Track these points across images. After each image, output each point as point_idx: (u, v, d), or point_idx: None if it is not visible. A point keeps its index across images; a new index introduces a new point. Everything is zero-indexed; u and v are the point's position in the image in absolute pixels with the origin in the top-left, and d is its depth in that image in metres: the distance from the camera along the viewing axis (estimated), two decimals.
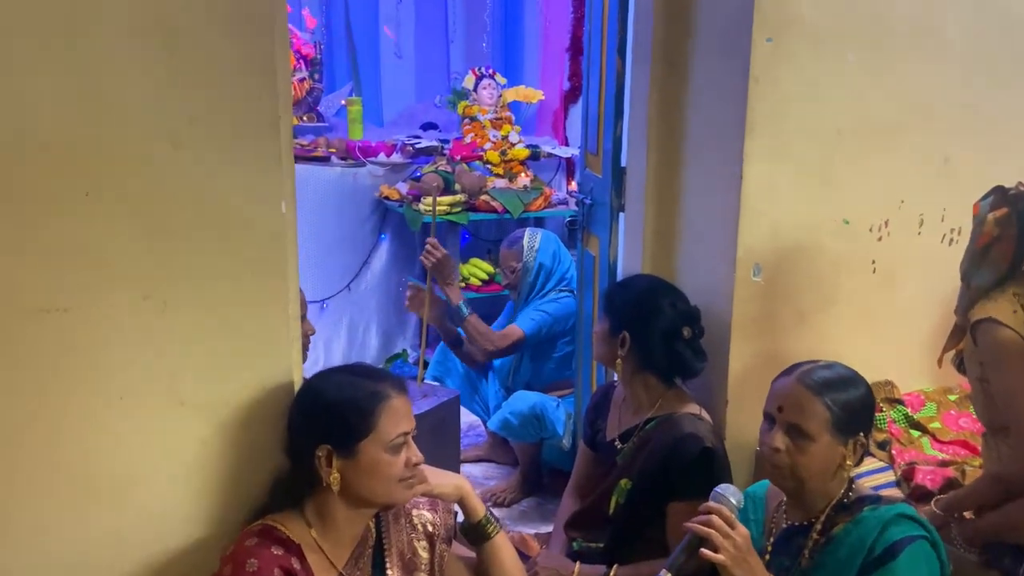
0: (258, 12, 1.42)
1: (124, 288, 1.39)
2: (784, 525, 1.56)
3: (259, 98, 1.45)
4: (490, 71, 4.45)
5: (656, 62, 2.16)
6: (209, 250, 1.45)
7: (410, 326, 4.46)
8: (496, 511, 3.02)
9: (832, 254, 2.08)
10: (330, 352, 4.22)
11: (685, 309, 1.99)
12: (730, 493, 1.42)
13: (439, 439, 2.72)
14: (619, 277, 2.39)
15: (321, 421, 1.43)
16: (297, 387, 1.54)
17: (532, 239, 3.09)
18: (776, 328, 2.06)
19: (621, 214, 2.36)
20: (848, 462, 1.49)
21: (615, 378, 2.15)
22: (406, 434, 1.46)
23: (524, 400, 2.88)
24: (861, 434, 1.50)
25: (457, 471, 2.85)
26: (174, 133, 1.40)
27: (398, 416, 1.45)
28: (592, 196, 2.53)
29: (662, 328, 1.95)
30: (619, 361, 1.97)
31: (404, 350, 4.38)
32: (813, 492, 1.50)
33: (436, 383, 3.17)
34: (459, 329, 3.05)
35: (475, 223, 4.19)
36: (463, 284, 4.06)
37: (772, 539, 1.57)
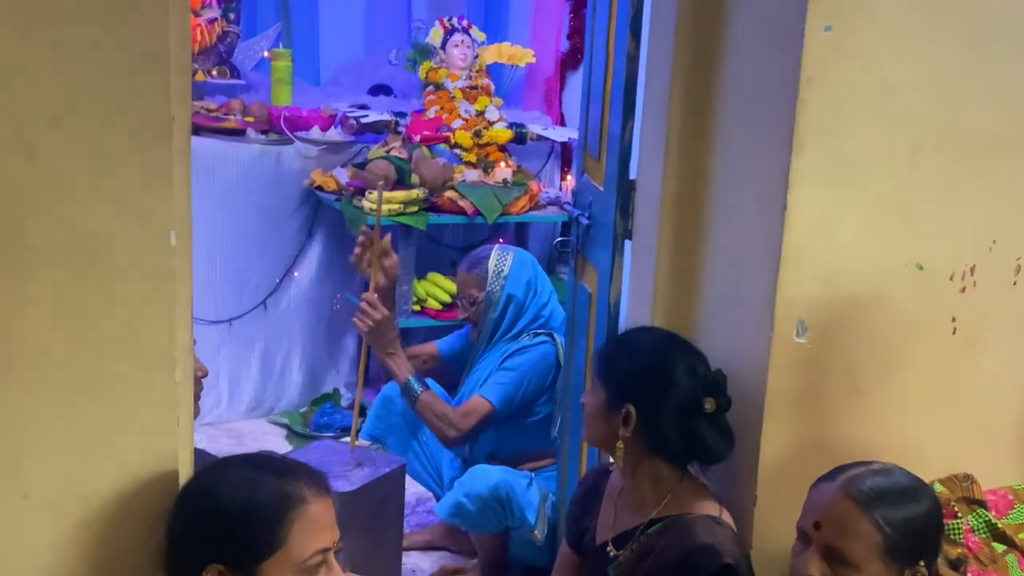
0: None
1: None
2: None
3: (143, 91, 1.45)
4: (464, 23, 4.46)
5: (681, 47, 2.16)
6: (70, 294, 1.44)
7: (345, 357, 4.45)
8: None
9: (900, 309, 2.09)
10: (237, 390, 4.22)
11: (707, 374, 2.00)
12: None
13: (377, 523, 2.71)
14: (621, 325, 2.40)
15: (211, 532, 1.43)
16: (184, 479, 1.54)
17: (500, 261, 3.09)
18: (823, 405, 2.06)
19: (627, 241, 2.36)
20: None
21: (610, 462, 2.15)
22: (326, 551, 1.46)
23: (483, 478, 2.88)
24: (922, 563, 1.51)
25: (399, 564, 2.86)
26: (28, 139, 1.39)
27: (316, 527, 1.45)
28: (590, 213, 2.54)
29: (678, 400, 1.95)
30: (620, 444, 1.97)
31: (335, 390, 4.37)
32: None
33: (373, 445, 3.16)
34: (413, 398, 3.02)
35: (436, 227, 4.20)
36: (417, 307, 4.06)
37: None
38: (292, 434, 4.13)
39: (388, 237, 2.80)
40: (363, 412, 3.80)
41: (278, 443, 4.03)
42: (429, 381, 3.18)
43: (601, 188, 2.46)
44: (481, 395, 2.99)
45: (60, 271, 1.44)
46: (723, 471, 2.10)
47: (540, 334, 3.05)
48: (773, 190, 1.97)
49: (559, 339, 3.01)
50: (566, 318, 3.02)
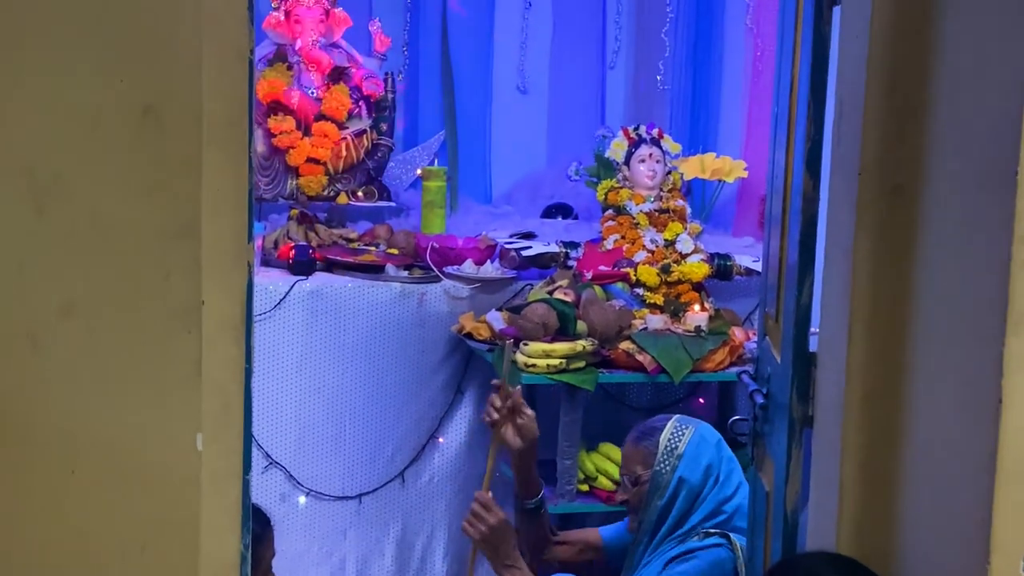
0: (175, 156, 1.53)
1: None
2: None
3: (166, 270, 1.55)
4: (655, 132, 4.53)
5: (867, 186, 2.14)
6: (71, 508, 1.53)
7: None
8: None
9: None
10: None
11: None
12: None
13: None
14: (801, 538, 2.33)
15: None
16: None
17: (676, 436, 3.05)
18: None
19: (807, 431, 2.31)
20: None
21: None
22: None
23: None
24: None
25: None
26: (33, 329, 1.51)
27: None
28: (769, 389, 2.50)
29: None
30: None
31: None
32: None
33: None
34: None
35: (617, 386, 4.19)
36: (584, 487, 4.06)
37: None
38: None
39: (519, 390, 2.85)
40: None
41: None
42: None
43: (779, 359, 2.42)
44: None
45: (63, 479, 1.53)
46: None
47: (713, 534, 2.96)
48: (984, 379, 1.89)
49: (739, 543, 2.92)
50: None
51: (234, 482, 1.71)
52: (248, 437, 1.73)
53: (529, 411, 2.87)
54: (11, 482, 1.53)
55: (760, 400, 2.51)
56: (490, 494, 2.88)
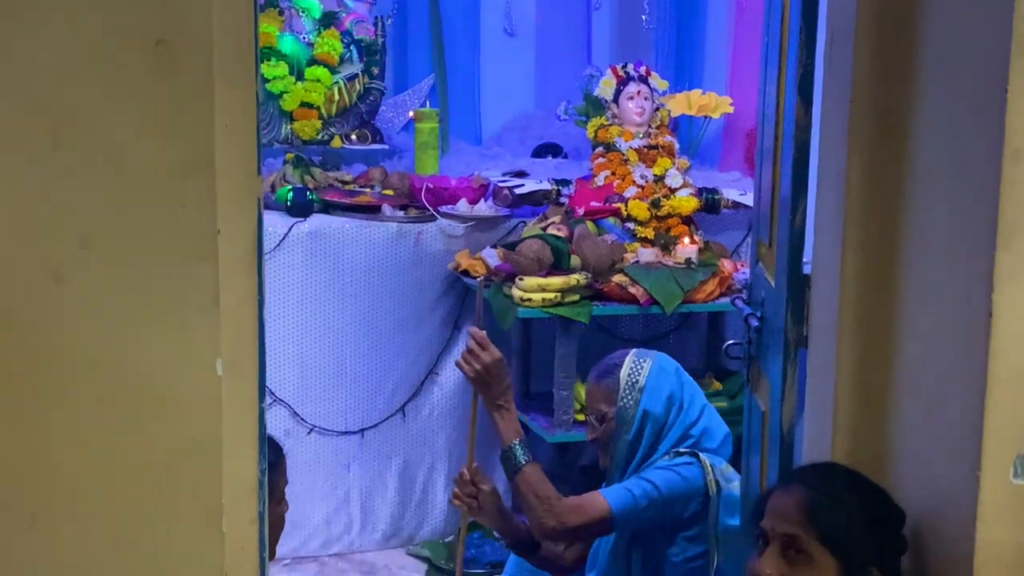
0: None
1: None
2: None
3: (183, 201, 1.56)
4: (642, 70, 4.53)
5: (859, 113, 2.15)
6: (99, 434, 1.55)
7: (501, 475, 4.51)
8: None
9: None
10: (371, 514, 4.34)
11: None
12: None
13: None
14: (797, 452, 2.36)
15: None
16: None
17: (635, 369, 3.03)
18: None
19: (802, 351, 2.33)
20: None
21: None
22: None
23: None
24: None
25: None
26: (55, 260, 1.52)
27: None
28: (763, 313, 2.52)
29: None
30: None
31: None
32: None
33: None
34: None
35: (610, 318, 4.22)
36: (580, 417, 4.09)
37: None
38: (433, 568, 4.20)
39: (484, 334, 2.89)
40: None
41: None
42: None
43: (773, 282, 2.44)
44: (601, 493, 2.94)
45: (88, 407, 1.55)
46: None
47: (684, 454, 2.97)
48: (974, 292, 1.91)
49: (711, 463, 2.93)
50: (726, 437, 2.99)
51: (251, 408, 1.72)
52: (263, 366, 1.74)
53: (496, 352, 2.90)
54: (41, 411, 1.54)
55: (755, 324, 2.53)
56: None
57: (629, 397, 3.00)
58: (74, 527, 1.56)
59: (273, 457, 2.15)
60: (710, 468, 2.93)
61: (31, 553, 1.54)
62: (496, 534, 3.10)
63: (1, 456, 1.53)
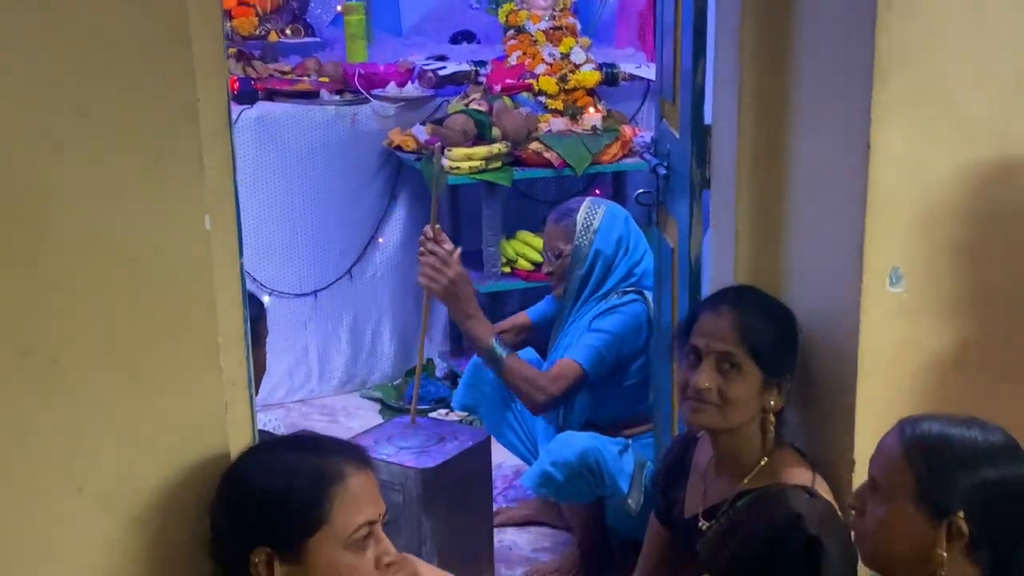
0: None
1: None
2: None
3: (166, 73, 1.53)
4: None
5: None
6: (106, 286, 1.54)
7: (438, 325, 4.55)
8: None
9: (1015, 251, 2.05)
10: (327, 365, 4.36)
11: None
12: None
13: (464, 499, 2.80)
14: (704, 281, 2.40)
15: (252, 517, 1.52)
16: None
17: (591, 214, 3.11)
18: (926, 362, 2.04)
19: (706, 192, 2.36)
20: None
21: (695, 431, 2.17)
22: (371, 523, 1.54)
23: (570, 445, 2.91)
24: (960, 514, 1.56)
25: (490, 541, 2.95)
26: (55, 130, 1.48)
27: (358, 501, 1.53)
28: (669, 162, 2.55)
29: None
30: (772, 419, 2.02)
31: (430, 360, 4.47)
32: None
33: (463, 417, 3.24)
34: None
35: (526, 182, 4.22)
36: (507, 269, 4.12)
37: None
38: (386, 408, 4.25)
39: (447, 240, 2.85)
40: (455, 380, 3.91)
41: (372, 418, 4.16)
42: (528, 353, 3.23)
43: (677, 135, 2.46)
44: (571, 357, 3.02)
45: (95, 263, 1.53)
46: (818, 434, 2.10)
47: (630, 292, 3.06)
48: (855, 127, 1.95)
49: (651, 297, 3.02)
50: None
51: (233, 262, 1.72)
52: (239, 224, 1.74)
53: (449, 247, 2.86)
54: (42, 272, 1.51)
55: (663, 172, 2.56)
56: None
57: (584, 237, 3.08)
58: (92, 367, 1.55)
59: (256, 310, 2.16)
60: (651, 302, 3.02)
61: (55, 389, 1.53)
62: (465, 337, 3.07)
63: (21, 309, 1.50)
